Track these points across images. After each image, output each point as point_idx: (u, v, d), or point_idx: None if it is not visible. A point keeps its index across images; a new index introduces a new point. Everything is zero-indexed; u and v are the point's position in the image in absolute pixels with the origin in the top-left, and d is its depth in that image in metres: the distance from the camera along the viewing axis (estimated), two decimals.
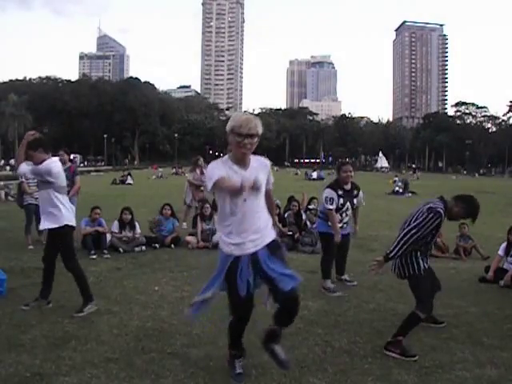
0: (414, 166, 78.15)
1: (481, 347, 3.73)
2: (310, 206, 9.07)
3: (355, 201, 5.46)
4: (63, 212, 4.32)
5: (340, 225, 5.35)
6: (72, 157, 10.50)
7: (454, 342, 3.82)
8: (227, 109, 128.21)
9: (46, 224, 4.34)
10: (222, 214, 2.89)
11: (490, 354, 3.58)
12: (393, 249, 3.71)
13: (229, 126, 2.74)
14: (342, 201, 5.31)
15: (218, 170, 2.73)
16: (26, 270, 5.89)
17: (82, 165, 66.16)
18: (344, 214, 5.40)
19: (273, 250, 2.87)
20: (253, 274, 2.83)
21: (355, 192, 5.46)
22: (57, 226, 4.28)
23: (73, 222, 4.45)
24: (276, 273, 2.80)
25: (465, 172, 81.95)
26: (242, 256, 2.83)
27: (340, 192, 5.31)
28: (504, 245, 6.20)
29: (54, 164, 4.39)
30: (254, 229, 2.83)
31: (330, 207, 5.25)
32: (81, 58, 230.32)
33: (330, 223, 5.30)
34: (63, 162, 7.66)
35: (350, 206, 5.41)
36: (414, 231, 3.60)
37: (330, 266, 5.47)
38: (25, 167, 4.37)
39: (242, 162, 2.80)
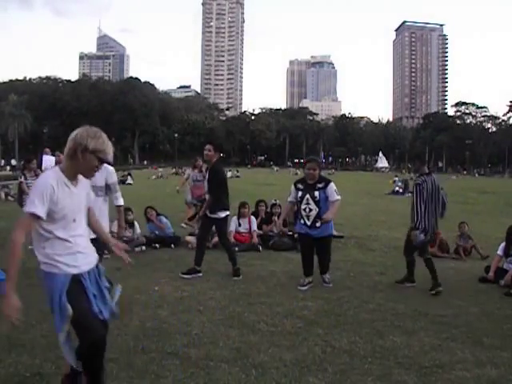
0: (409, 165, 78.11)
1: (481, 347, 3.73)
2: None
3: (316, 193, 5.34)
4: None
5: (308, 222, 5.39)
6: None
7: (454, 342, 3.82)
8: (227, 109, 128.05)
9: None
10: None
11: (490, 354, 3.58)
12: None
13: (90, 144, 2.43)
14: (300, 193, 5.44)
15: (48, 186, 2.39)
16: (26, 270, 5.85)
17: None
18: (307, 209, 5.37)
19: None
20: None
21: (319, 185, 5.39)
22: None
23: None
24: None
25: (465, 172, 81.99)
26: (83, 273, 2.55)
27: (299, 185, 5.52)
28: (503, 244, 6.19)
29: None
30: None
31: (288, 199, 5.68)
32: (81, 58, 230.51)
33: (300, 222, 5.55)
34: (61, 162, 7.68)
35: (310, 198, 5.35)
36: None
37: (304, 264, 5.64)
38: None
39: (75, 179, 2.54)
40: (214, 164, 5.91)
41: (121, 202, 4.55)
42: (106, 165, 2.68)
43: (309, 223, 5.41)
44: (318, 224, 5.35)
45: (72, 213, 2.49)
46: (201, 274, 5.80)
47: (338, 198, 5.38)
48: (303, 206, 5.43)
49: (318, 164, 5.60)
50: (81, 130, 2.52)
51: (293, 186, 5.64)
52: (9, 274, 2.36)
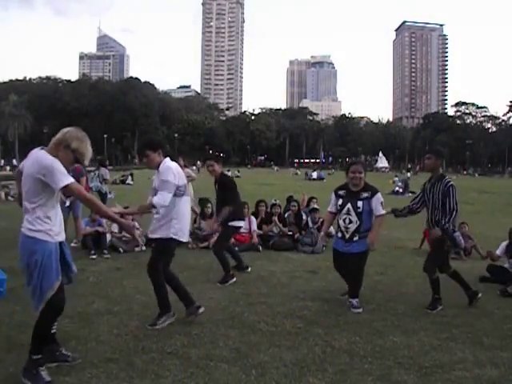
0: (409, 166, 78.12)
1: (481, 347, 3.73)
2: (315, 207, 9.05)
3: (360, 203, 4.66)
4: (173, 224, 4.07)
5: (347, 235, 4.71)
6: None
7: (453, 342, 3.82)
8: (227, 109, 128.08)
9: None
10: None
11: (490, 354, 3.58)
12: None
13: (75, 144, 2.95)
14: (340, 201, 4.79)
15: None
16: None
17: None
18: (347, 220, 4.70)
19: None
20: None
21: (364, 194, 4.71)
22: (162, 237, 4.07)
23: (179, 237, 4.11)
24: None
25: (465, 172, 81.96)
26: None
27: (341, 192, 4.86)
28: (504, 244, 6.18)
29: (170, 165, 4.05)
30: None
31: (328, 209, 5.06)
32: (81, 58, 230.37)
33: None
34: None
35: (352, 209, 4.68)
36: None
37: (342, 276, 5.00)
38: (162, 201, 3.91)
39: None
40: (221, 176, 5.89)
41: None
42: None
43: (347, 236, 4.70)
44: (355, 238, 4.67)
45: None
46: (235, 279, 5.62)
47: (384, 212, 4.76)
48: (343, 216, 4.73)
49: (364, 167, 4.90)
50: (72, 130, 3.04)
51: (333, 194, 4.95)
52: (110, 216, 3.27)
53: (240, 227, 6.16)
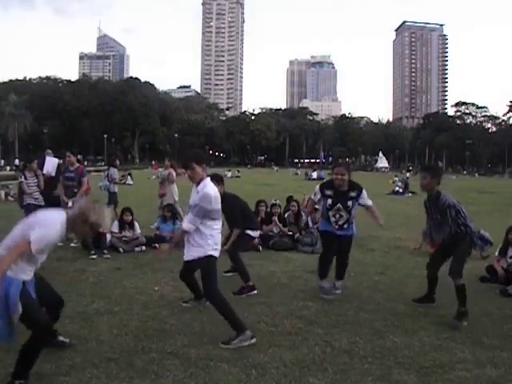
0: (409, 166, 78.17)
1: (481, 347, 3.73)
2: (316, 207, 9.03)
3: (349, 203, 5.01)
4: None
5: (336, 226, 5.09)
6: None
7: (453, 342, 3.82)
8: (227, 109, 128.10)
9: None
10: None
11: (490, 354, 3.59)
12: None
13: (93, 218, 3.02)
14: (330, 201, 5.06)
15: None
16: None
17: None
18: (337, 215, 5.05)
19: None
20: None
21: (352, 194, 5.04)
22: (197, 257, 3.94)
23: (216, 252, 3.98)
24: None
25: (465, 172, 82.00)
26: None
27: (329, 192, 5.08)
28: (500, 245, 6.18)
29: (211, 188, 3.93)
30: None
31: (312, 196, 5.40)
32: (81, 58, 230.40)
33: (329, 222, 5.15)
34: (70, 164, 7.68)
35: (342, 207, 5.01)
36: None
37: (323, 264, 5.22)
38: (191, 224, 3.87)
39: None
40: (224, 195, 5.34)
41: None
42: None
43: (336, 227, 5.10)
44: (345, 226, 5.12)
45: None
46: (256, 292, 5.25)
47: (371, 202, 5.24)
48: (333, 213, 5.06)
49: (348, 168, 5.11)
50: (87, 205, 3.12)
51: (318, 188, 5.21)
52: None
53: (254, 238, 6.01)
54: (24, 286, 2.91)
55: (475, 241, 4.94)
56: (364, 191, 5.16)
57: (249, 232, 5.61)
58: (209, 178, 4.05)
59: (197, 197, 3.89)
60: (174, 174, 9.99)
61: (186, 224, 3.92)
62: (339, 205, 5.02)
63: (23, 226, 2.93)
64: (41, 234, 2.81)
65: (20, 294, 2.84)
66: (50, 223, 2.86)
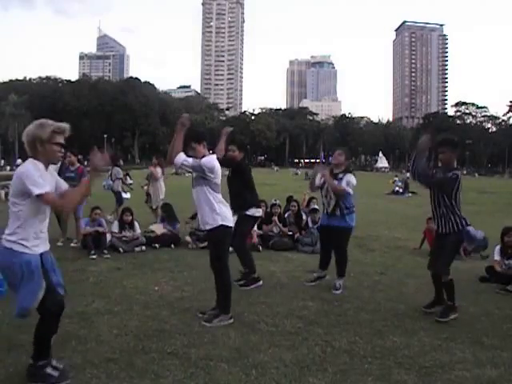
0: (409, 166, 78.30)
1: (481, 347, 3.73)
2: (315, 207, 9.05)
3: (335, 182, 5.31)
4: (218, 211, 4.13)
5: (329, 209, 5.39)
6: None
7: (453, 342, 3.82)
8: (227, 109, 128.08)
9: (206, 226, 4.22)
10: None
11: (490, 354, 3.58)
12: None
13: (43, 134, 2.83)
14: (323, 180, 5.42)
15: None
16: None
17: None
18: (328, 197, 5.36)
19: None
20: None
21: (340, 175, 5.34)
22: (212, 226, 4.13)
23: (228, 222, 4.19)
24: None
25: (465, 172, 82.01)
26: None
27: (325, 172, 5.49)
28: (498, 248, 6.16)
29: (216, 161, 4.19)
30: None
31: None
32: (81, 58, 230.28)
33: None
34: (71, 164, 7.68)
35: (329, 188, 5.33)
36: None
37: (320, 255, 5.74)
38: (185, 157, 4.09)
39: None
40: (242, 161, 5.78)
41: None
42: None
43: (329, 210, 5.38)
44: (337, 213, 5.31)
45: None
46: (261, 283, 5.48)
47: (345, 188, 5.25)
48: (324, 193, 5.43)
49: (346, 153, 5.50)
50: (30, 126, 2.90)
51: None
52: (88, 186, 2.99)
53: (258, 217, 5.87)
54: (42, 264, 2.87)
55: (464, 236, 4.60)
56: (348, 175, 5.32)
57: (253, 212, 5.54)
58: (214, 156, 4.26)
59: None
60: (160, 171, 10.16)
61: (178, 157, 4.10)
62: (327, 186, 5.37)
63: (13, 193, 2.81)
64: (31, 180, 2.72)
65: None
66: (23, 169, 2.78)
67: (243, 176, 5.60)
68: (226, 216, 4.19)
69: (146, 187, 10.71)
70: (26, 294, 2.81)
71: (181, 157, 4.10)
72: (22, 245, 2.80)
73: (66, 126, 2.94)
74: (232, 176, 5.57)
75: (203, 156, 4.13)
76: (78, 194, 2.95)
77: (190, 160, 4.10)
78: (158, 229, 7.90)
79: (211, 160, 4.13)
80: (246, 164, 5.90)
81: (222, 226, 4.13)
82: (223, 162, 5.02)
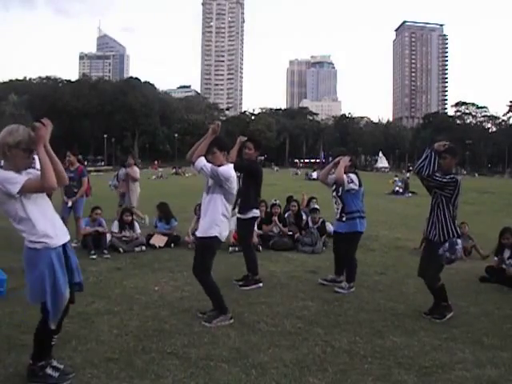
0: (409, 166, 78.14)
1: (481, 347, 3.73)
2: (315, 207, 9.04)
3: (339, 189, 5.44)
4: (219, 224, 4.15)
5: (337, 215, 5.50)
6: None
7: (453, 342, 3.82)
8: (227, 109, 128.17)
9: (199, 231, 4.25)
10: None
11: (490, 354, 3.58)
12: None
13: (11, 139, 2.83)
14: (334, 186, 5.57)
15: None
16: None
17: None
18: (336, 202, 5.50)
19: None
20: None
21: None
22: (207, 235, 4.15)
23: (222, 237, 4.23)
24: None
25: (465, 172, 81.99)
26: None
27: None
28: (496, 247, 6.17)
29: (232, 171, 4.21)
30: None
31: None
32: (81, 58, 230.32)
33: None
34: (71, 164, 7.68)
35: (335, 193, 5.49)
36: None
37: (335, 261, 5.77)
38: (205, 162, 4.13)
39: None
40: (256, 160, 5.84)
41: None
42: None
43: (338, 216, 5.49)
44: (344, 218, 5.40)
45: None
46: (261, 285, 5.45)
47: (347, 185, 5.30)
48: (333, 199, 5.59)
49: (351, 157, 5.56)
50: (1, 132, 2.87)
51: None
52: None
53: (257, 217, 5.83)
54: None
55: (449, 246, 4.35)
56: (349, 175, 5.35)
57: (252, 214, 5.54)
58: (231, 165, 4.27)
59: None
60: (138, 171, 10.06)
61: (200, 160, 4.17)
62: (334, 192, 5.53)
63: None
64: (6, 181, 2.69)
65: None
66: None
67: (256, 180, 5.66)
68: (222, 231, 4.22)
69: (120, 189, 10.19)
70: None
71: (202, 161, 4.16)
72: (44, 242, 2.80)
73: (29, 137, 2.84)
74: (245, 176, 5.58)
75: (221, 164, 4.16)
76: (47, 166, 2.73)
77: (209, 167, 4.13)
78: (160, 241, 7.80)
79: (228, 169, 4.17)
80: (260, 168, 5.88)
81: (216, 237, 4.17)
82: (239, 167, 5.12)
